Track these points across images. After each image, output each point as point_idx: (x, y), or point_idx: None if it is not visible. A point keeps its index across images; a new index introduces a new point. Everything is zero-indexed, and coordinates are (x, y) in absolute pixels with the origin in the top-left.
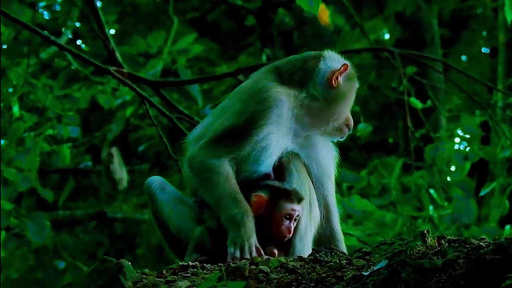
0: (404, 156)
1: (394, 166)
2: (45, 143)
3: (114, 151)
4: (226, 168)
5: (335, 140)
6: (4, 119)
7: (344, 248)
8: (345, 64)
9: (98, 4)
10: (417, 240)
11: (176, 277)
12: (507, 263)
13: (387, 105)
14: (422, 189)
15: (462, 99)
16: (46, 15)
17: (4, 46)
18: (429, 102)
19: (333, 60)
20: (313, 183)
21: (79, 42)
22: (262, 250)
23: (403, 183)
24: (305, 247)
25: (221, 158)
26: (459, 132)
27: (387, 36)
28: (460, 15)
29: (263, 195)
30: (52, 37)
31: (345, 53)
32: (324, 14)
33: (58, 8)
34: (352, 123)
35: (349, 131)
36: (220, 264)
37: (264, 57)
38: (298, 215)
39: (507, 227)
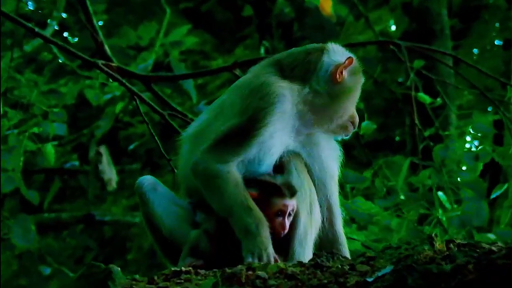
0: (411, 155)
1: (400, 165)
2: (29, 141)
3: (103, 149)
4: (235, 174)
5: (339, 138)
6: None
7: (347, 253)
8: (349, 57)
9: None
10: (424, 244)
11: (168, 283)
12: None
13: (393, 100)
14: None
15: (473, 95)
16: (30, 5)
17: None
18: (438, 100)
19: (337, 53)
20: (314, 183)
21: (65, 34)
22: (278, 259)
23: (410, 183)
24: (305, 251)
25: (228, 163)
26: (470, 130)
27: (393, 28)
28: (472, 5)
29: (253, 192)
30: (37, 29)
31: (349, 46)
32: (326, 4)
33: None
34: (358, 120)
35: (354, 128)
36: (215, 269)
37: (262, 50)
38: (292, 210)
39: None
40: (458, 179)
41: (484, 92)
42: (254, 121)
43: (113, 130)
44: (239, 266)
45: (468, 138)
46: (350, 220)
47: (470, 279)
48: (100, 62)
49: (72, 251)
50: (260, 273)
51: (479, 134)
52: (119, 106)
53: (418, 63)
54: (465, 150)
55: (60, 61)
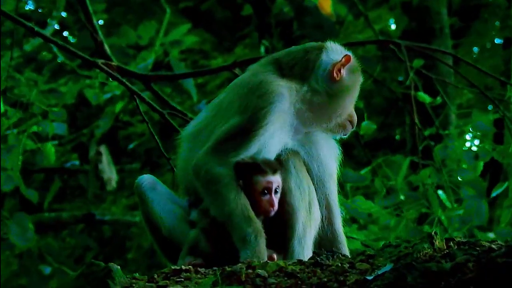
0: (411, 154)
1: (400, 164)
2: (29, 140)
3: (103, 149)
4: (236, 177)
5: (338, 138)
6: None
7: (346, 251)
8: (346, 55)
9: None
10: (424, 243)
11: (168, 281)
12: None
13: (393, 100)
14: (430, 189)
15: (473, 94)
16: (30, 4)
17: None
18: (438, 99)
19: (335, 52)
20: (313, 182)
21: (65, 33)
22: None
23: (410, 183)
24: (304, 250)
25: (229, 164)
26: (470, 129)
27: (393, 27)
28: (471, 4)
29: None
30: (37, 28)
31: (348, 45)
32: (326, 3)
33: None
34: (356, 119)
35: (352, 128)
36: (214, 268)
37: (262, 49)
38: (278, 187)
39: None
40: (459, 178)
41: (484, 91)
42: (253, 120)
43: (113, 130)
44: (239, 265)
45: (468, 137)
46: (350, 220)
47: (469, 277)
48: (100, 62)
49: (72, 250)
50: (260, 271)
51: (479, 133)
52: (119, 106)
53: (418, 62)
54: (465, 149)
55: (59, 60)
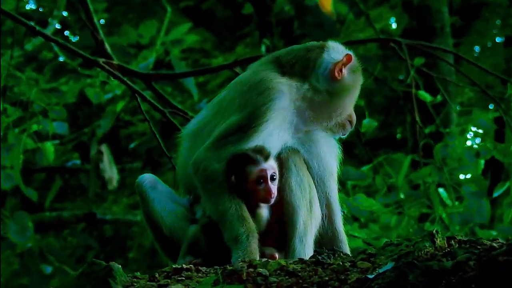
0: (412, 152)
1: (401, 163)
2: (29, 139)
3: (104, 148)
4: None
5: (337, 137)
6: None
7: (347, 250)
8: (347, 54)
9: None
10: (425, 241)
11: (169, 280)
12: None
13: (393, 98)
14: (431, 187)
15: (474, 92)
16: (31, 3)
17: None
18: (439, 97)
19: (337, 51)
20: (314, 180)
21: (66, 32)
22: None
23: (411, 181)
24: (305, 248)
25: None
26: (471, 127)
27: (394, 25)
28: (472, 2)
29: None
30: (38, 27)
31: (349, 44)
32: (326, 2)
33: None
34: (355, 119)
35: (351, 128)
36: (216, 266)
37: (263, 48)
38: (274, 173)
39: None
40: (460, 176)
41: (485, 90)
42: (253, 117)
43: (114, 129)
44: (240, 263)
45: (469, 136)
46: (351, 218)
47: (471, 275)
48: (101, 61)
49: (73, 249)
50: (261, 270)
51: (480, 131)
52: (120, 105)
53: (419, 61)
54: (466, 147)
55: (60, 59)
